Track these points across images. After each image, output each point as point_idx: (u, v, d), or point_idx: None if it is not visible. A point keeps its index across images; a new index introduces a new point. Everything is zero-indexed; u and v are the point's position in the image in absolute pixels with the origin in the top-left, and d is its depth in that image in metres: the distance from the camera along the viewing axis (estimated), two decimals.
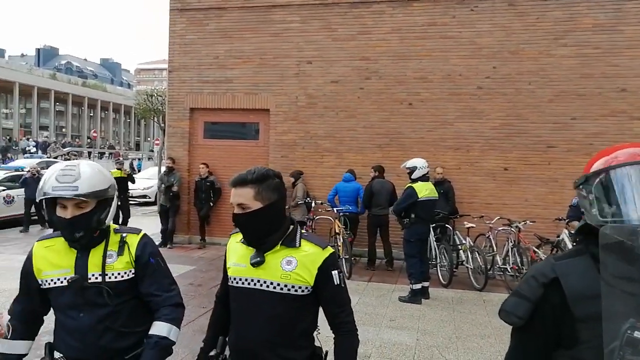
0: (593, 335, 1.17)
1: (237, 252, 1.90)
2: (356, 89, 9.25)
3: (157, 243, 2.34)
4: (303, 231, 1.88)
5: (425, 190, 6.41)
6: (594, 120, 8.31)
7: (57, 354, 1.92)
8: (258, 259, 1.80)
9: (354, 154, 9.24)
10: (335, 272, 1.81)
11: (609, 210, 1.25)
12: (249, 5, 9.73)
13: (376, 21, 9.17)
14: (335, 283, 1.81)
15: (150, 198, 17.21)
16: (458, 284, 7.20)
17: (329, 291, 1.81)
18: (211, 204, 9.71)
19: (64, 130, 53.35)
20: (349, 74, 9.28)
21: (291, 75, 9.54)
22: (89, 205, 1.85)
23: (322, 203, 8.80)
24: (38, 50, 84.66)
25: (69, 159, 10.65)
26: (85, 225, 1.85)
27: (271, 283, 1.78)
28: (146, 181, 17.38)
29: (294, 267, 1.78)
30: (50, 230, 2.05)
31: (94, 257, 1.91)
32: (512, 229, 7.38)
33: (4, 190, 12.02)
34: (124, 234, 1.98)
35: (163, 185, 9.79)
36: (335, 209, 8.33)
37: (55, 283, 1.90)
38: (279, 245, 1.81)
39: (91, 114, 56.43)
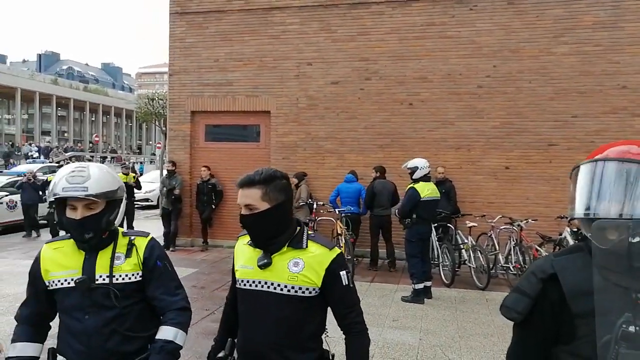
0: (591, 330, 1.17)
1: (244, 254, 1.90)
2: (356, 89, 9.26)
3: None
4: (310, 232, 1.88)
5: (427, 190, 6.40)
6: (595, 118, 8.30)
7: (60, 359, 1.91)
8: (265, 260, 1.79)
9: (355, 154, 9.24)
10: (343, 273, 1.81)
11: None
12: (249, 8, 9.75)
13: (375, 22, 9.18)
14: (344, 283, 1.80)
15: (152, 201, 17.28)
16: (460, 284, 7.20)
17: (337, 292, 1.80)
18: (213, 207, 9.73)
19: (66, 135, 53.56)
20: (349, 75, 9.29)
21: (291, 77, 9.56)
22: (98, 206, 1.86)
23: (324, 204, 8.81)
24: (39, 55, 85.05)
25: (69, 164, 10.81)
26: (95, 225, 1.86)
27: (278, 285, 1.78)
28: (148, 184, 17.43)
29: (301, 268, 1.77)
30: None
31: (102, 259, 1.91)
32: (514, 227, 7.37)
33: (6, 195, 12.07)
34: (132, 237, 1.99)
35: (165, 189, 9.81)
36: (337, 210, 8.33)
37: (62, 284, 1.91)
38: (285, 246, 1.81)
39: (93, 119, 56.62)
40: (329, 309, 1.88)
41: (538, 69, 8.50)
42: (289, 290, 1.77)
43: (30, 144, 37.71)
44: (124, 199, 1.98)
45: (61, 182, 1.83)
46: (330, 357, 1.90)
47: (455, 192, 8.51)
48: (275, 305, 1.77)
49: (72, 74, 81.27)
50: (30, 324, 2.00)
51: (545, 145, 8.49)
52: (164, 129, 27.36)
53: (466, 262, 7.53)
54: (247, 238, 1.89)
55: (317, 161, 9.45)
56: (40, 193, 10.98)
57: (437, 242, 7.69)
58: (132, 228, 10.69)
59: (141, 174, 20.91)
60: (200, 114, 10.18)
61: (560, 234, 7.24)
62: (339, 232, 7.96)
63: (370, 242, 8.39)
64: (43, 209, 11.34)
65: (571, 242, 6.83)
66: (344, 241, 7.68)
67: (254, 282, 1.82)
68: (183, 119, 10.16)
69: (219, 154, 10.05)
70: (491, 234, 7.66)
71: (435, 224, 7.44)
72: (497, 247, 7.55)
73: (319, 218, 8.85)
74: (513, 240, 7.34)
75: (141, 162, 34.00)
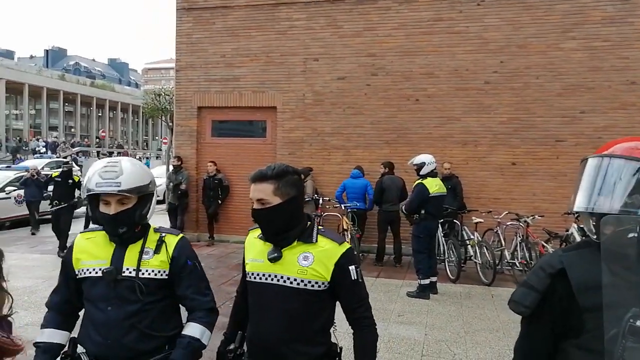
0: (598, 324, 1.18)
1: (255, 247, 1.92)
2: (363, 85, 9.25)
3: None
4: (320, 227, 1.90)
5: (435, 186, 6.40)
6: (603, 114, 8.24)
7: (80, 349, 1.93)
8: (275, 254, 1.82)
9: (361, 150, 9.24)
10: (352, 268, 1.83)
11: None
12: (255, 4, 9.75)
13: (382, 17, 9.15)
14: (353, 278, 1.82)
15: (159, 197, 17.30)
16: (466, 279, 7.20)
17: (346, 286, 1.82)
18: (219, 202, 9.77)
19: (73, 130, 53.81)
20: (356, 71, 9.28)
21: (298, 73, 9.56)
22: (131, 201, 1.89)
23: (329, 200, 8.82)
24: (46, 51, 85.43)
25: (69, 160, 10.64)
26: (128, 220, 1.89)
27: (288, 278, 1.80)
28: (155, 179, 17.50)
29: (310, 262, 1.79)
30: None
31: (131, 252, 1.94)
32: (521, 223, 7.35)
33: (14, 190, 12.18)
34: (163, 234, 2.01)
35: (171, 184, 9.86)
36: (343, 205, 8.34)
37: (90, 273, 1.94)
38: (296, 241, 1.83)
39: (100, 114, 56.85)
40: (337, 303, 1.90)
41: (546, 64, 8.45)
42: (298, 284, 1.79)
43: (37, 139, 37.97)
44: (155, 192, 2.01)
45: (94, 177, 1.86)
46: (339, 351, 1.92)
47: (461, 188, 8.49)
48: (284, 299, 1.79)
49: (79, 69, 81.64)
50: (59, 311, 2.04)
51: (553, 142, 8.44)
52: (170, 124, 27.42)
53: (472, 257, 7.52)
54: (258, 231, 1.92)
55: (323, 157, 9.46)
56: (45, 190, 10.62)
57: (443, 238, 7.69)
58: None
59: None
60: (206, 110, 10.21)
61: (567, 230, 7.22)
62: (345, 227, 7.97)
63: (378, 237, 8.38)
64: (46, 205, 11.28)
65: (578, 238, 6.80)
66: (349, 237, 7.70)
67: (264, 275, 1.84)
68: (190, 115, 10.20)
69: (226, 149, 10.08)
70: (497, 230, 7.65)
71: (441, 220, 7.43)
72: (503, 243, 7.54)
73: (325, 214, 8.86)
74: (519, 236, 7.33)
75: (147, 158, 34.17)
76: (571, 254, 1.36)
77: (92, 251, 1.97)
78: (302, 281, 1.79)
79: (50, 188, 8.99)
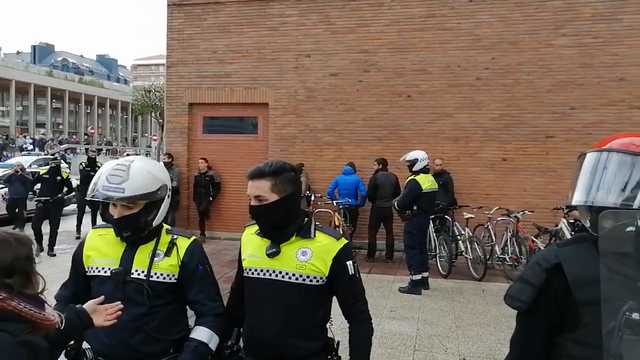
0: (595, 318, 1.19)
1: (252, 243, 1.92)
2: (355, 81, 9.24)
3: None
4: (317, 223, 1.91)
5: (427, 182, 6.43)
6: (593, 110, 8.33)
7: (85, 345, 1.91)
8: (274, 249, 1.82)
9: (353, 146, 9.25)
10: (349, 263, 1.84)
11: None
12: (247, 0, 9.70)
13: (375, 13, 9.15)
14: (350, 273, 1.84)
15: None
16: (457, 274, 7.25)
17: (344, 281, 1.84)
18: (210, 199, 9.73)
19: (61, 127, 53.21)
20: (348, 67, 9.27)
21: (290, 69, 9.53)
22: (136, 206, 1.85)
23: (321, 196, 8.82)
24: (34, 47, 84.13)
25: (55, 157, 10.20)
26: (132, 225, 1.86)
27: (286, 273, 1.80)
28: None
29: (309, 257, 1.80)
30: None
31: (142, 254, 1.91)
32: (511, 219, 7.42)
33: (1, 188, 12.00)
34: (175, 236, 1.97)
35: None
36: (334, 201, 8.34)
37: (99, 271, 1.92)
38: (294, 236, 1.84)
39: (88, 111, 56.25)
40: (334, 298, 1.91)
41: (537, 61, 8.51)
42: (297, 279, 1.79)
43: (24, 136, 37.52)
44: (166, 197, 1.94)
45: (101, 179, 1.83)
46: (335, 346, 1.93)
47: (452, 184, 8.54)
48: (283, 294, 1.80)
49: (67, 65, 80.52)
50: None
51: (543, 137, 8.51)
52: (160, 121, 27.23)
53: (463, 253, 7.57)
54: (255, 228, 1.92)
55: (315, 153, 9.45)
56: (32, 190, 9.98)
57: (434, 234, 7.73)
58: None
59: None
60: (198, 106, 10.14)
61: (557, 225, 7.29)
62: (337, 223, 7.99)
63: (369, 233, 8.40)
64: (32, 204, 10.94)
65: (567, 233, 6.88)
66: (341, 233, 7.70)
67: (262, 270, 1.85)
68: (181, 111, 10.12)
69: (217, 146, 10.03)
70: (488, 226, 7.70)
71: (433, 216, 7.47)
72: (493, 238, 7.60)
73: (317, 210, 8.86)
74: (509, 232, 7.39)
75: (136, 154, 33.91)
76: (567, 248, 1.37)
77: (102, 249, 1.95)
78: (300, 276, 1.79)
79: (38, 186, 8.79)
